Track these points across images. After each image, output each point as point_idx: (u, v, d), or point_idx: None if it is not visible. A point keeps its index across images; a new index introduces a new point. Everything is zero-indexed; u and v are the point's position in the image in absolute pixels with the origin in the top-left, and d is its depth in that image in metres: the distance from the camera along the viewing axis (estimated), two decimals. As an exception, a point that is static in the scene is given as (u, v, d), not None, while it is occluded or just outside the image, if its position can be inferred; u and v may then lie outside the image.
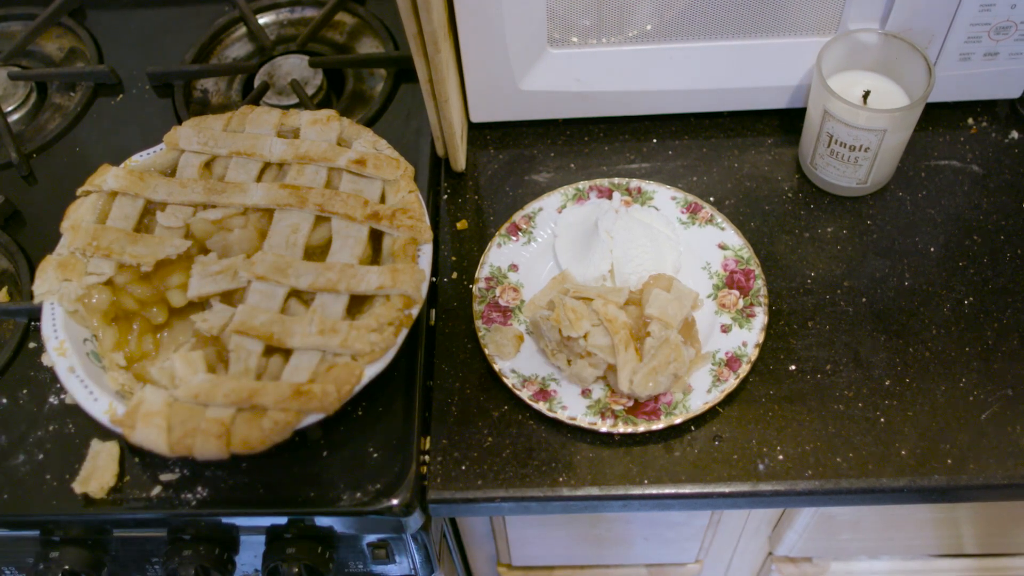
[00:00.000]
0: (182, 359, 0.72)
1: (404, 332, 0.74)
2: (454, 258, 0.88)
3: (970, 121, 0.94)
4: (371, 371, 0.72)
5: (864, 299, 0.83)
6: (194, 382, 0.70)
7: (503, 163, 0.94)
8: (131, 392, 0.74)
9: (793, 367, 0.80)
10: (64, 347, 0.74)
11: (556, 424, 0.77)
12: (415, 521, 0.75)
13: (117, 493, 0.74)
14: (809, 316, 0.82)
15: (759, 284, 0.82)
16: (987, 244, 0.86)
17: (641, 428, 0.75)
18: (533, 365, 0.79)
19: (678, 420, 0.75)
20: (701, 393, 0.76)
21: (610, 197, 0.89)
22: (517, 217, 0.88)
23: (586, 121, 0.97)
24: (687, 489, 0.74)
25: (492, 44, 0.85)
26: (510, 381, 0.78)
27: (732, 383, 0.77)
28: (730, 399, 0.78)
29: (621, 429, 0.75)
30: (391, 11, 1.05)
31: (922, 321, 0.82)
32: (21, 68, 1.05)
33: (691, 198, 0.87)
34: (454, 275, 0.87)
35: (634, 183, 0.89)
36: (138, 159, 0.85)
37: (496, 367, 0.79)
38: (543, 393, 0.77)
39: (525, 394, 0.77)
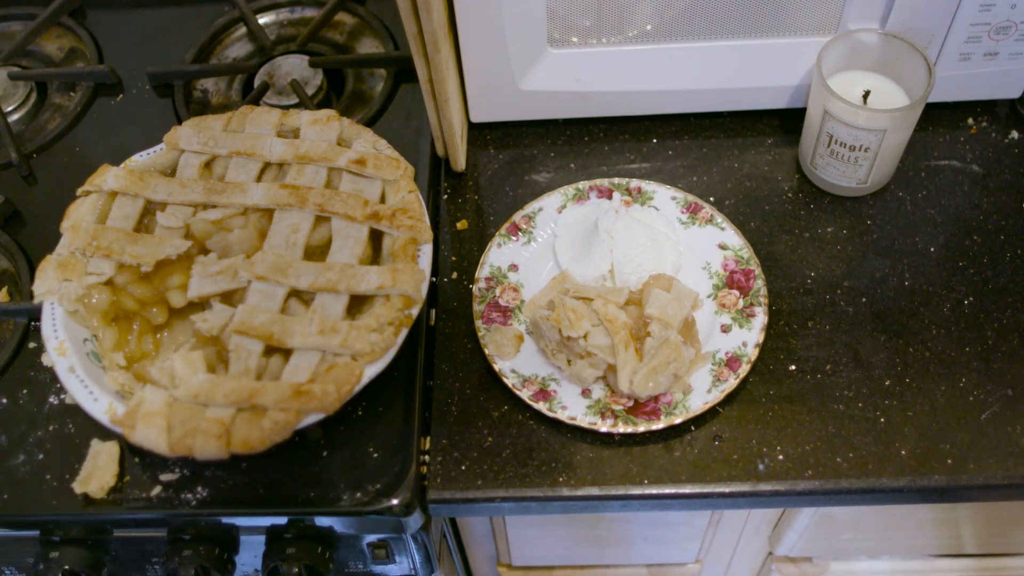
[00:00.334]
0: (182, 359, 0.72)
1: (404, 332, 0.74)
2: (454, 258, 0.88)
3: (970, 121, 0.94)
4: (371, 371, 0.72)
5: (864, 299, 0.83)
6: (194, 382, 0.70)
7: (503, 163, 0.94)
8: (131, 392, 0.74)
9: (793, 367, 0.80)
10: (64, 347, 0.74)
11: (556, 424, 0.77)
12: (415, 521, 0.75)
13: (117, 493, 0.74)
14: (809, 316, 0.83)
15: (759, 284, 0.82)
16: (987, 244, 0.86)
17: (641, 428, 0.75)
18: (533, 365, 0.79)
19: (678, 420, 0.75)
20: (701, 393, 0.76)
21: (610, 197, 0.89)
22: (517, 217, 0.88)
23: (586, 121, 0.97)
24: (687, 489, 0.74)
25: (492, 44, 0.85)
26: (510, 381, 0.78)
27: (732, 383, 0.77)
28: (730, 399, 0.78)
29: (621, 429, 0.75)
30: (391, 11, 1.05)
31: (922, 321, 0.82)
32: (21, 68, 1.05)
33: (691, 198, 0.87)
34: (454, 275, 0.87)
35: (634, 183, 0.89)
36: (138, 159, 0.85)
37: (496, 367, 0.79)
38: (543, 393, 0.77)
39: (525, 394, 0.77)
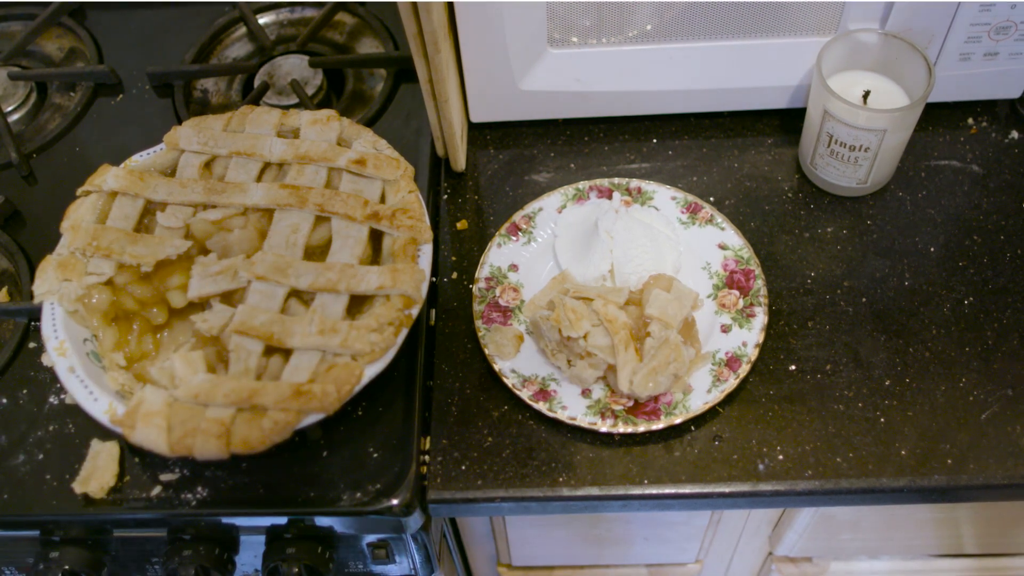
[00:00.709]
0: (182, 359, 0.72)
1: (404, 332, 0.74)
2: (454, 258, 0.88)
3: (970, 121, 0.94)
4: (371, 371, 0.72)
5: (864, 299, 0.83)
6: (194, 382, 0.70)
7: (503, 163, 0.94)
8: (131, 392, 0.74)
9: (793, 367, 0.80)
10: (64, 347, 0.74)
11: (556, 424, 0.77)
12: (415, 521, 0.75)
13: (117, 493, 0.74)
14: (809, 316, 0.83)
15: (759, 284, 0.82)
16: (987, 244, 0.86)
17: (641, 428, 0.75)
18: (533, 365, 0.79)
19: (678, 420, 0.75)
20: (701, 393, 0.76)
21: (610, 197, 0.89)
22: (517, 217, 0.88)
23: (586, 121, 0.97)
24: (687, 489, 0.74)
25: (492, 44, 0.85)
26: (510, 381, 0.78)
27: (732, 383, 0.77)
28: (730, 399, 0.78)
29: (621, 429, 0.75)
30: (391, 11, 1.05)
31: (922, 321, 0.82)
32: (21, 68, 1.05)
33: (691, 198, 0.87)
34: (454, 275, 0.87)
35: (634, 183, 0.89)
36: (138, 159, 0.85)
37: (496, 367, 0.79)
38: (543, 393, 0.77)
39: (525, 394, 0.77)
